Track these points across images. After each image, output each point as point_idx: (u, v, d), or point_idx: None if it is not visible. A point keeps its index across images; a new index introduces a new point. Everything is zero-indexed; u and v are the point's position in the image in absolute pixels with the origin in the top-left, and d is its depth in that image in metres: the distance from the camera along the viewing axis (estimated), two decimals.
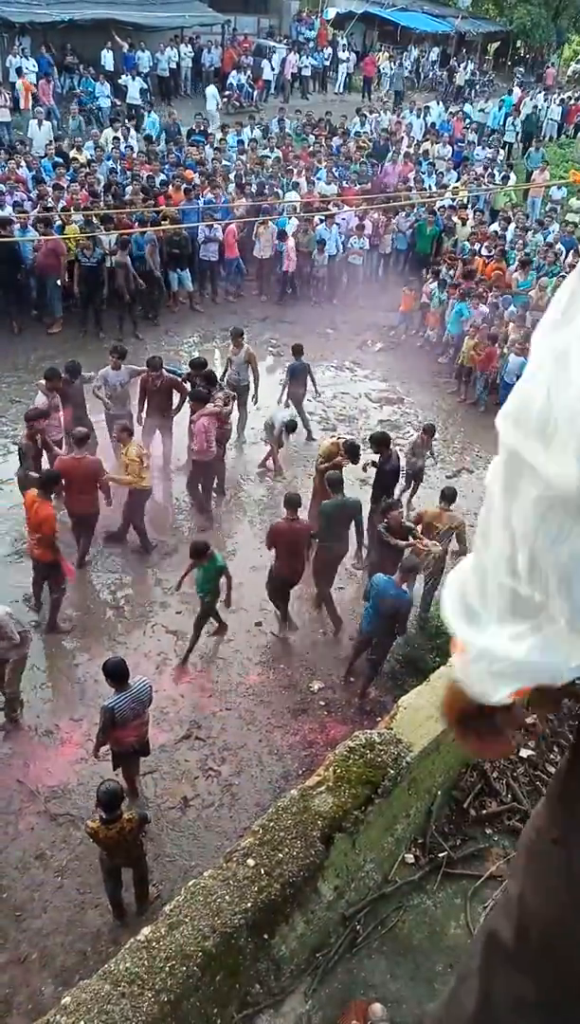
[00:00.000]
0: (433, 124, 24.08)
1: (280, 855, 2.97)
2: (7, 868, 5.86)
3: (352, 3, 31.68)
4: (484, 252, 15.49)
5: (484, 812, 3.76)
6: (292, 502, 7.79)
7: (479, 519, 0.97)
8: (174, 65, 24.57)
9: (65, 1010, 2.49)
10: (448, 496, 8.32)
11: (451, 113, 25.76)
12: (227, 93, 24.82)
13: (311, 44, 29.17)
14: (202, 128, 20.15)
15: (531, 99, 26.87)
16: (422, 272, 15.45)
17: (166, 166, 16.90)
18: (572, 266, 13.40)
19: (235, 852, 3.02)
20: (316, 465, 9.25)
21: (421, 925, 3.24)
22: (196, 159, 17.45)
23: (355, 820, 3.14)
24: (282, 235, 14.96)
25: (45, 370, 9.65)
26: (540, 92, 28.45)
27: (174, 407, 9.91)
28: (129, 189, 14.90)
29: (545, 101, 27.32)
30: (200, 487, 9.74)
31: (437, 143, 21.90)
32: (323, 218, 15.46)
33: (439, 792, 3.71)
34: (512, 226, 16.58)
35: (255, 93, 25.73)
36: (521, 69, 35.12)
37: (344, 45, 29.77)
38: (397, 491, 9.57)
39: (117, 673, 5.87)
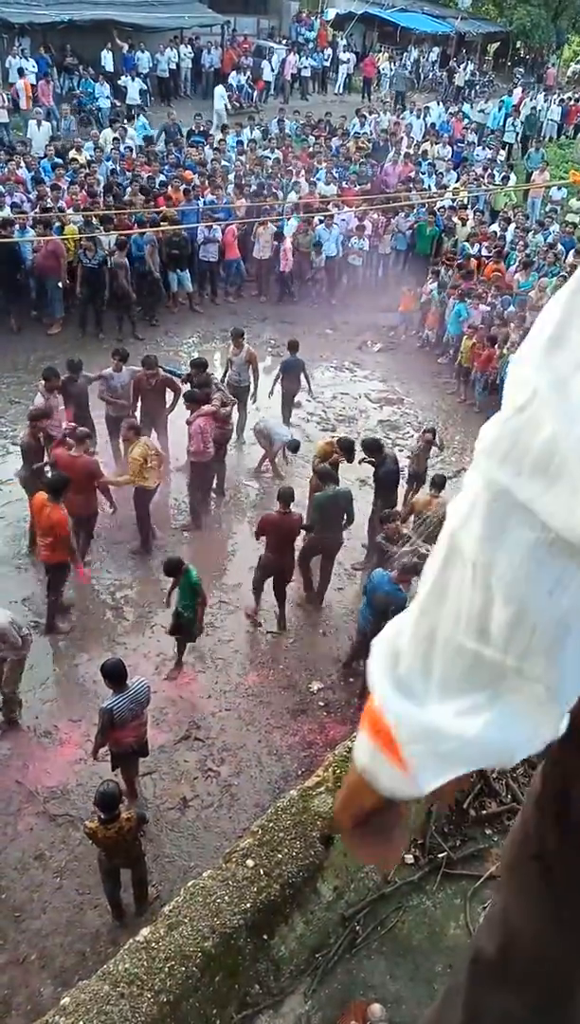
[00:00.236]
0: (433, 125, 24.09)
1: (279, 855, 2.96)
2: (6, 869, 5.86)
3: (352, 4, 31.69)
4: (484, 252, 15.50)
5: (484, 812, 3.75)
6: (284, 496, 7.90)
7: (426, 574, 0.84)
8: (174, 66, 24.58)
9: (64, 1011, 2.49)
10: (438, 483, 8.44)
11: (451, 114, 25.77)
12: (226, 94, 24.81)
13: (311, 45, 29.18)
14: (202, 129, 20.16)
15: (531, 100, 26.88)
16: (422, 272, 15.45)
17: (166, 167, 16.91)
18: (573, 267, 13.41)
19: (234, 853, 3.02)
20: (312, 466, 9.25)
21: (421, 926, 3.23)
22: (196, 160, 17.45)
23: None
24: (279, 236, 14.97)
25: (43, 370, 9.65)
26: (540, 93, 28.47)
27: (168, 406, 9.91)
28: (129, 190, 14.91)
29: (545, 102, 27.34)
30: (198, 488, 9.73)
31: (437, 144, 21.91)
32: (323, 219, 15.46)
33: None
34: (512, 227, 16.59)
35: (255, 94, 25.74)
36: (521, 70, 35.12)
37: (344, 46, 29.79)
38: (401, 492, 9.53)
39: (115, 674, 5.87)
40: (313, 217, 15.40)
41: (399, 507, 9.13)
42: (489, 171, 19.89)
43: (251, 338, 12.90)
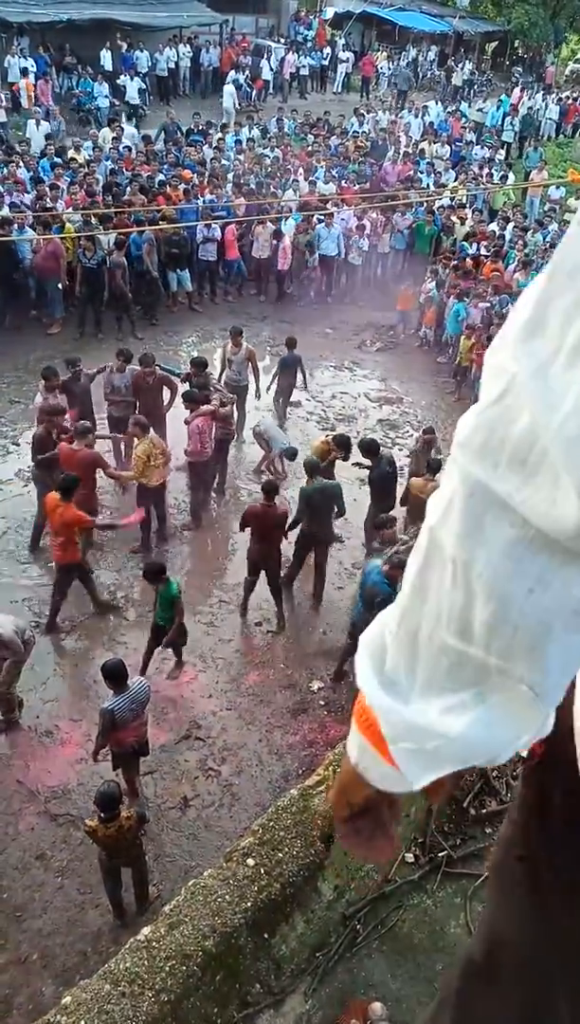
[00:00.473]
0: (431, 124, 24.09)
1: (280, 855, 2.97)
2: (7, 868, 5.86)
3: (350, 3, 31.64)
4: (483, 252, 15.50)
5: (484, 811, 3.76)
6: (267, 489, 7.99)
7: (409, 572, 0.82)
8: (173, 65, 24.57)
9: (65, 1010, 2.49)
10: (434, 467, 8.49)
11: (449, 113, 25.77)
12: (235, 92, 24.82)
13: (309, 44, 29.17)
14: (201, 128, 20.15)
15: (529, 99, 26.87)
16: (421, 271, 15.44)
17: (165, 166, 16.91)
18: None
19: (235, 852, 3.02)
20: None
21: (421, 924, 3.24)
22: (195, 159, 17.45)
23: None
24: (278, 234, 14.96)
25: (42, 369, 9.65)
26: (539, 92, 28.46)
27: (165, 404, 9.92)
28: (128, 189, 14.90)
29: (543, 100, 27.33)
30: (197, 488, 9.73)
31: (435, 143, 21.91)
32: (322, 218, 15.46)
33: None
34: (511, 225, 16.59)
35: (254, 93, 25.73)
36: (519, 69, 35.10)
37: (342, 45, 29.77)
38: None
39: (116, 674, 5.87)
40: (313, 216, 15.39)
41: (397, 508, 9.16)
42: (487, 170, 19.89)
43: (250, 337, 12.89)
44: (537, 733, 0.81)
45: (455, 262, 14.59)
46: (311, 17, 31.78)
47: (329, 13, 32.35)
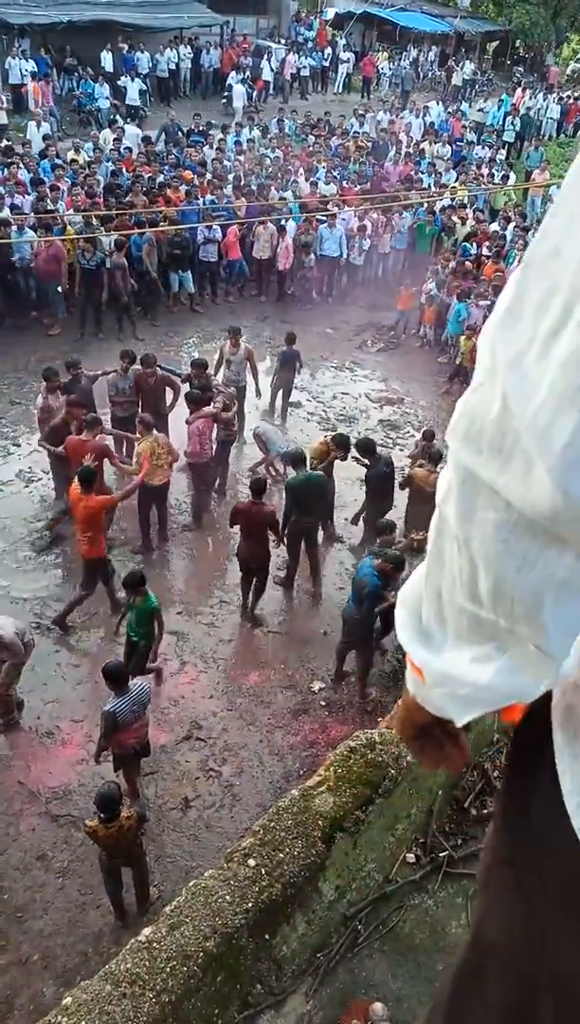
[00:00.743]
0: (432, 124, 24.10)
1: (281, 855, 2.97)
2: (8, 869, 5.86)
3: (351, 3, 31.68)
4: (485, 252, 15.49)
5: (485, 811, 3.75)
6: (254, 488, 8.04)
7: (430, 537, 0.88)
8: (173, 66, 24.59)
9: (66, 1011, 2.49)
10: (435, 458, 8.57)
11: (450, 113, 25.78)
12: (226, 94, 24.85)
13: (310, 44, 29.19)
14: (201, 129, 20.17)
15: (530, 98, 26.88)
16: (421, 271, 15.43)
17: (166, 167, 16.92)
18: None
19: (236, 852, 3.02)
20: (310, 467, 9.25)
21: (422, 925, 3.24)
22: (196, 160, 17.46)
23: (356, 820, 3.14)
24: (281, 229, 14.95)
25: (43, 370, 9.65)
26: (540, 92, 28.46)
27: (168, 405, 9.93)
28: (130, 191, 14.91)
29: (544, 100, 27.33)
30: (198, 488, 9.74)
31: (436, 143, 21.91)
32: (325, 218, 15.46)
33: (440, 791, 3.71)
34: (511, 225, 16.58)
35: (254, 94, 25.76)
36: (520, 69, 35.12)
37: (343, 45, 29.78)
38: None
39: (117, 676, 5.87)
40: (314, 217, 15.39)
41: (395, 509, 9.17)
42: (489, 170, 19.88)
43: (251, 337, 12.91)
44: (554, 678, 0.88)
45: (454, 263, 14.58)
46: (312, 18, 31.83)
47: (330, 14, 32.39)
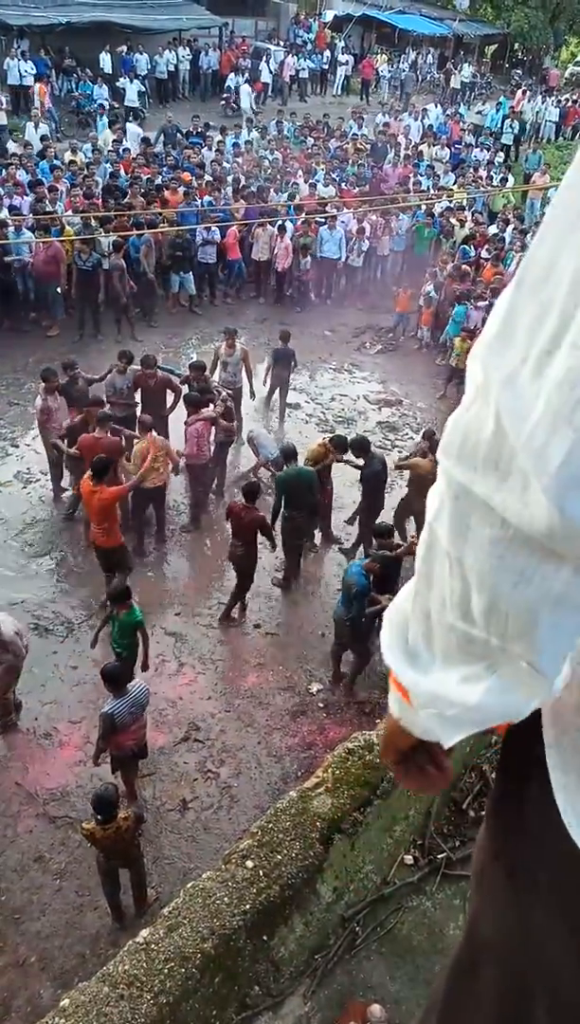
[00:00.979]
0: (430, 126, 24.13)
1: (279, 857, 2.96)
2: (6, 871, 5.85)
3: (350, 5, 31.74)
4: (484, 254, 15.50)
5: (483, 813, 3.75)
6: (246, 493, 8.04)
7: (418, 557, 0.88)
8: (172, 68, 24.60)
9: (63, 1012, 2.49)
10: (436, 448, 8.53)
11: (448, 115, 25.81)
12: (224, 96, 24.87)
13: (309, 47, 29.22)
14: (200, 130, 20.18)
15: (528, 101, 26.92)
16: (420, 274, 15.44)
17: (164, 169, 16.93)
18: None
19: (234, 854, 3.02)
20: None
21: (420, 926, 3.24)
22: (194, 162, 17.47)
23: (354, 821, 3.14)
24: (281, 229, 14.95)
25: (41, 371, 9.65)
26: (539, 95, 28.51)
27: (168, 406, 9.93)
28: (129, 192, 14.92)
29: (543, 103, 27.36)
30: (196, 489, 9.73)
31: (435, 145, 21.94)
32: (325, 220, 15.47)
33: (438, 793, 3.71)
34: (510, 228, 16.60)
35: (253, 95, 25.78)
36: (519, 72, 35.17)
37: (342, 47, 29.82)
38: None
39: (116, 678, 5.87)
40: (313, 219, 15.40)
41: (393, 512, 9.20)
42: (487, 173, 19.90)
43: (249, 339, 12.93)
44: (547, 698, 0.86)
45: (451, 266, 14.59)
46: (311, 20, 31.86)
47: (329, 16, 32.44)
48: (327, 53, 29.32)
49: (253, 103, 23.89)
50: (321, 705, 7.53)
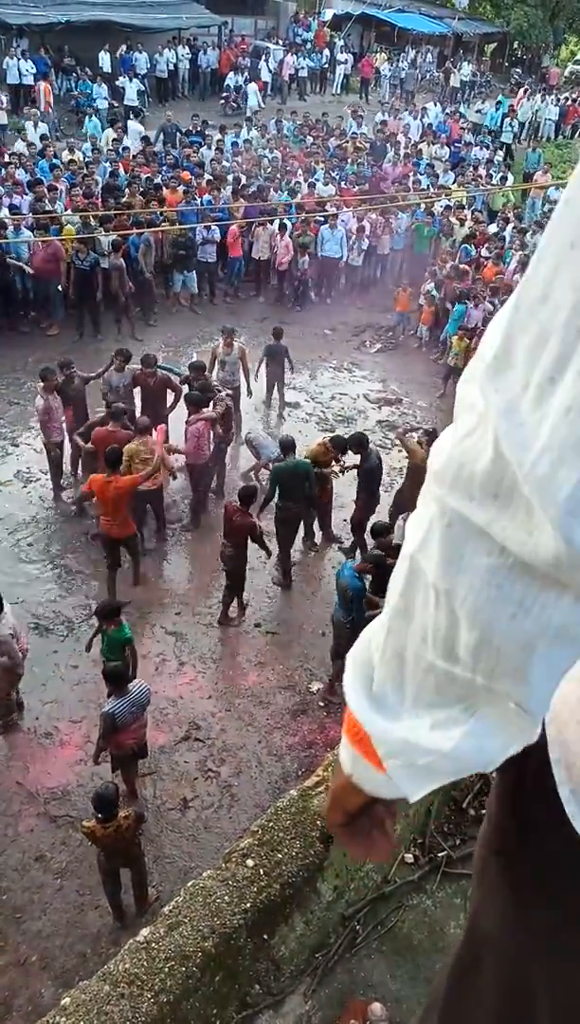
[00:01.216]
0: (430, 125, 24.12)
1: (279, 855, 2.96)
2: (7, 870, 5.86)
3: (349, 4, 31.70)
4: (484, 253, 15.49)
5: (483, 812, 3.75)
6: (241, 496, 8.05)
7: (393, 592, 0.82)
8: (172, 67, 24.59)
9: (64, 1011, 2.49)
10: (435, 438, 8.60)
11: (447, 114, 25.79)
12: (224, 95, 24.86)
13: (308, 45, 29.20)
14: (199, 129, 20.18)
15: (528, 99, 26.90)
16: (420, 273, 15.44)
17: (164, 168, 16.92)
18: None
19: (234, 853, 3.02)
20: None
21: (421, 925, 3.24)
22: (193, 161, 17.46)
23: None
24: (282, 227, 14.94)
25: (40, 370, 9.65)
26: (538, 93, 28.48)
27: (168, 406, 9.93)
28: (127, 191, 14.91)
29: (542, 101, 27.34)
30: (196, 489, 9.74)
31: (434, 144, 21.93)
32: (325, 220, 15.46)
33: (438, 791, 3.71)
34: (510, 226, 16.59)
35: (245, 95, 25.76)
36: (518, 70, 35.14)
37: (341, 46, 29.79)
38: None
39: (116, 677, 5.88)
40: (313, 218, 15.38)
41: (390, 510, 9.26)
42: (487, 171, 19.89)
43: (249, 339, 12.93)
44: (527, 741, 0.81)
45: (451, 265, 14.58)
46: (310, 19, 31.82)
47: (328, 15, 32.40)
48: (326, 52, 29.29)
49: (260, 101, 23.88)
50: (321, 704, 7.54)
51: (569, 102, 28.48)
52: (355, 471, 9.25)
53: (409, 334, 15.02)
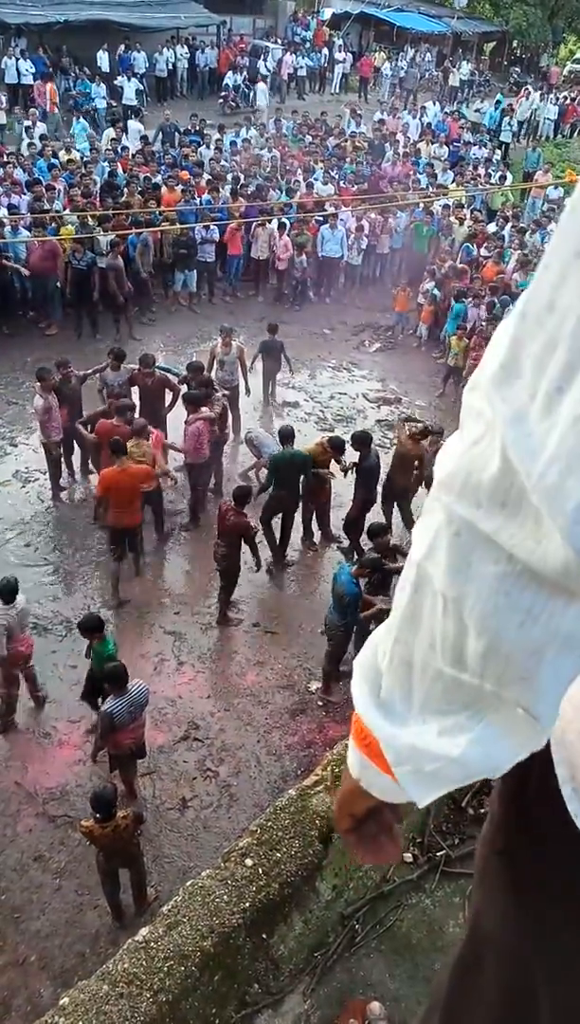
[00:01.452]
0: (429, 124, 24.12)
1: (278, 855, 2.96)
2: (5, 870, 5.85)
3: (348, 3, 31.67)
4: (484, 252, 15.49)
5: (482, 811, 3.75)
6: (236, 496, 8.03)
7: (400, 599, 0.83)
8: (170, 66, 24.58)
9: (63, 1011, 2.49)
10: (438, 432, 9.18)
11: (446, 113, 25.79)
12: (223, 94, 24.84)
13: (307, 45, 29.18)
14: (198, 129, 20.17)
15: (527, 99, 26.90)
16: (419, 272, 15.43)
17: (163, 167, 16.91)
18: None
19: (233, 852, 3.02)
20: None
21: (420, 924, 3.24)
22: (192, 160, 17.45)
23: None
24: (281, 226, 14.94)
25: (37, 370, 9.64)
26: (537, 92, 28.48)
27: (167, 406, 9.92)
28: (125, 190, 14.90)
29: (541, 100, 27.34)
30: (195, 488, 9.73)
31: (433, 143, 21.92)
32: (325, 219, 15.45)
33: None
34: (509, 226, 16.59)
35: (252, 94, 25.73)
36: (517, 69, 35.14)
37: (340, 45, 29.77)
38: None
39: (115, 677, 5.87)
40: (312, 218, 15.38)
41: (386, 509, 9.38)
42: (486, 170, 19.89)
43: (248, 338, 12.92)
44: (535, 747, 0.82)
45: (449, 264, 14.58)
46: (309, 18, 31.78)
47: (327, 14, 32.35)
48: (325, 51, 29.27)
49: (268, 101, 23.88)
50: (320, 703, 7.53)
51: (568, 101, 28.48)
52: (354, 469, 9.24)
53: (408, 333, 15.02)
